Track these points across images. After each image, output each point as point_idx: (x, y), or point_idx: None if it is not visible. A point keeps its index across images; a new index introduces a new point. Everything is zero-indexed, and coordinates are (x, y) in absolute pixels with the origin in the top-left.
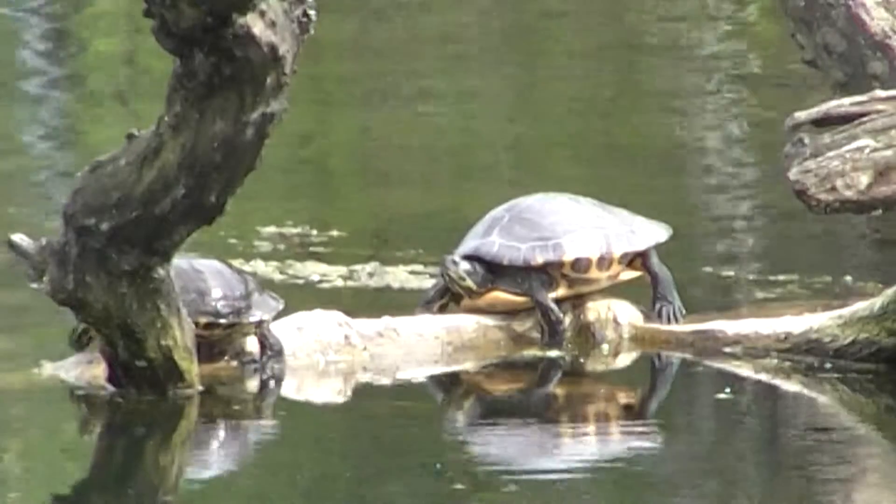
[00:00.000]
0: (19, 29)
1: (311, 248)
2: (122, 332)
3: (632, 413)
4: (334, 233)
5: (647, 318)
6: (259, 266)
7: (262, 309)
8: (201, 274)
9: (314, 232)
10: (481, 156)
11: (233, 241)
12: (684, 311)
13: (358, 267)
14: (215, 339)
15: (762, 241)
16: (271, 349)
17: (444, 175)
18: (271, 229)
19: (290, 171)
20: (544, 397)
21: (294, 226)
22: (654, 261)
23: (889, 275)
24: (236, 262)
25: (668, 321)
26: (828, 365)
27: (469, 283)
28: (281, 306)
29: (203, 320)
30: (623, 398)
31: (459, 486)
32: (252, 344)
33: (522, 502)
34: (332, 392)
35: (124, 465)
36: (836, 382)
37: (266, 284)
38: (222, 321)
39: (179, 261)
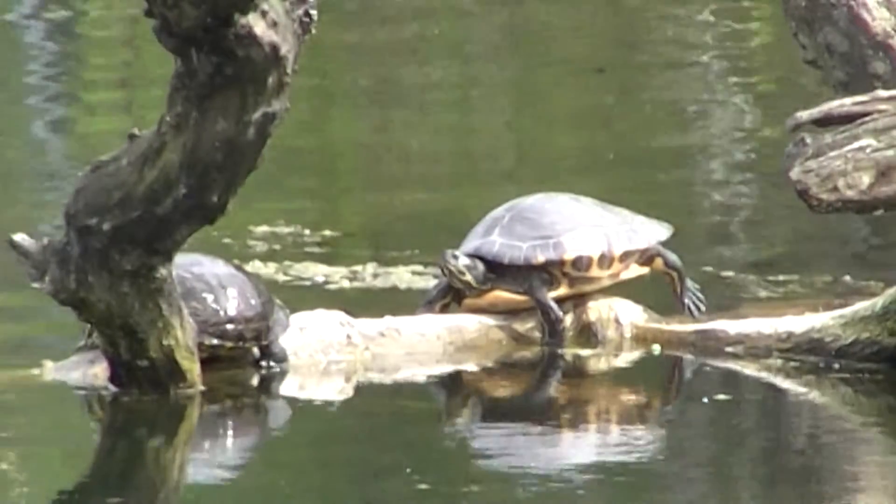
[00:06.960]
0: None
1: (306, 249)
2: (124, 331)
3: (633, 413)
4: (327, 232)
5: (657, 314)
6: (259, 267)
7: (279, 327)
8: (226, 291)
9: (307, 231)
10: (482, 157)
11: (227, 241)
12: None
13: (359, 267)
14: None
15: (763, 241)
16: (275, 357)
17: (445, 176)
18: (264, 228)
19: (288, 170)
20: (545, 397)
21: (286, 225)
22: (673, 257)
23: (890, 274)
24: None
25: (698, 313)
26: (832, 365)
27: (469, 277)
28: (290, 321)
29: (228, 344)
30: (624, 398)
31: (459, 486)
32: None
33: (523, 501)
34: (333, 391)
35: (126, 464)
36: (837, 382)
37: (269, 285)
38: (247, 345)
39: (202, 270)
